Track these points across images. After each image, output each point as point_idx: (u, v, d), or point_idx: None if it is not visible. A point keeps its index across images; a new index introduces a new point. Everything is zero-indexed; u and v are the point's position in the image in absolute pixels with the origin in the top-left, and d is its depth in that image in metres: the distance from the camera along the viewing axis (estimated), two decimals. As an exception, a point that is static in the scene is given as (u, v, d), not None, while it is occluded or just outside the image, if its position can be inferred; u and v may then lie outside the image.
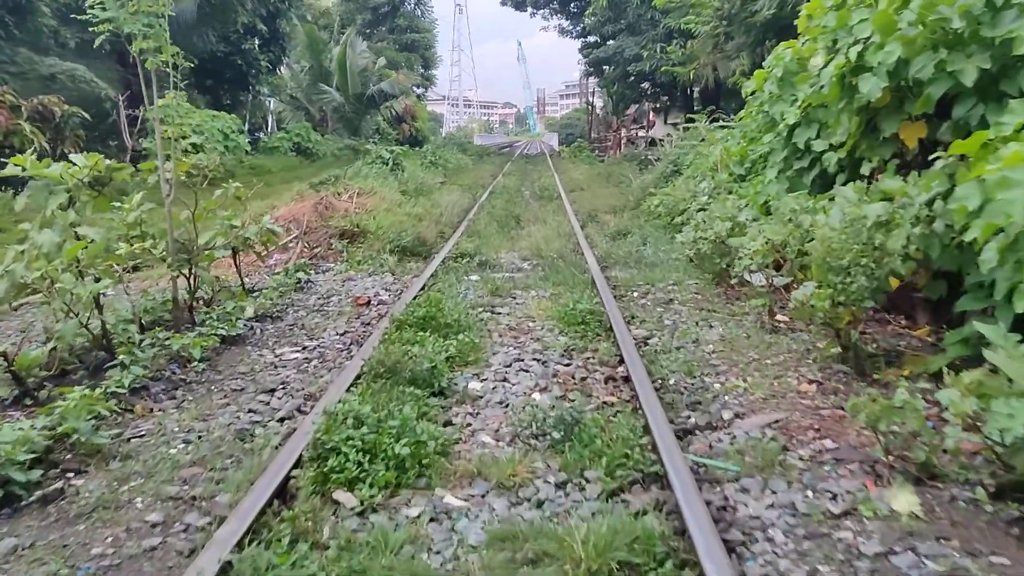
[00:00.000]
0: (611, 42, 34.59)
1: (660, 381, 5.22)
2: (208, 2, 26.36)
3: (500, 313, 7.13)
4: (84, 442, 3.93)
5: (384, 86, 43.99)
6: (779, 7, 13.09)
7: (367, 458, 3.57)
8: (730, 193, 9.76)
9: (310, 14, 51.60)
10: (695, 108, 40.11)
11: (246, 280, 8.52)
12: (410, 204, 13.14)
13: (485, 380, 5.22)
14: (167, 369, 5.30)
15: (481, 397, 4.89)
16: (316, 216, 10.75)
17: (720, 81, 22.72)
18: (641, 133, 30.21)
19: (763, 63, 15.49)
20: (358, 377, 4.89)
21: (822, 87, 6.83)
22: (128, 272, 7.42)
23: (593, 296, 7.42)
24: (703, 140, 12.63)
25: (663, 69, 18.87)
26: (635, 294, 8.00)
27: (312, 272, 9.18)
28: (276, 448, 3.99)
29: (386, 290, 8.18)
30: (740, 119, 10.42)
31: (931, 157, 5.26)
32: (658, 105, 45.35)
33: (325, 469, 3.50)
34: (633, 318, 6.94)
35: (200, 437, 4.27)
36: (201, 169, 7.18)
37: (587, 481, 3.66)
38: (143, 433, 4.35)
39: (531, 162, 43.30)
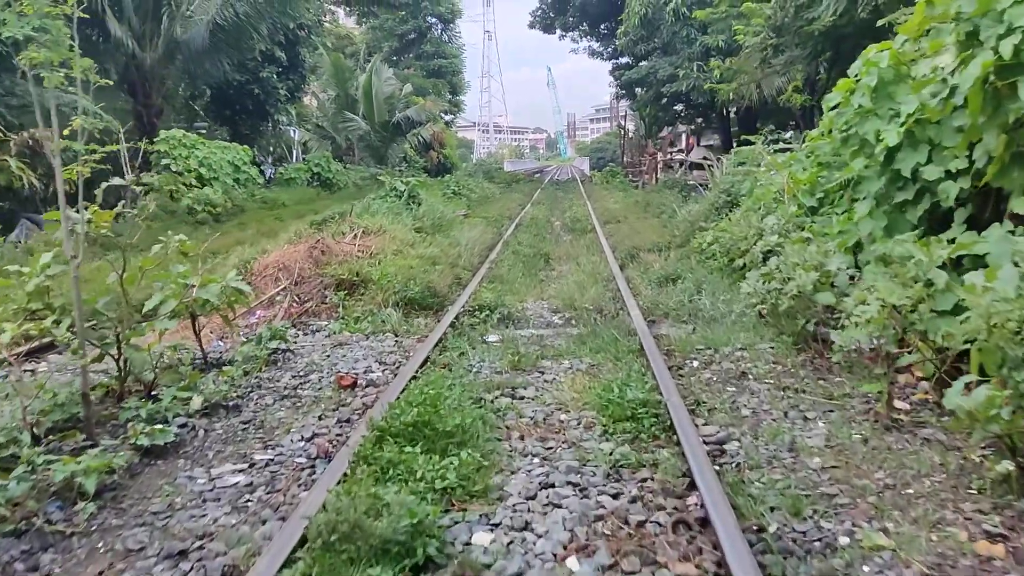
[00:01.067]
0: (644, 63, 33.13)
1: (755, 527, 3.51)
2: (221, 28, 25.32)
3: (523, 398, 5.46)
4: None
5: (410, 113, 43.05)
6: (843, 13, 11.37)
7: None
8: (801, 229, 8.05)
9: (330, 40, 50.95)
10: (731, 129, 38.63)
11: (218, 348, 6.98)
12: (424, 244, 11.57)
13: (497, 528, 3.56)
14: (40, 514, 3.70)
15: (489, 567, 3.22)
16: (310, 263, 9.21)
17: (765, 100, 21.03)
18: (679, 156, 28.50)
19: (816, 78, 13.77)
20: (302, 542, 3.25)
21: (950, 96, 5.12)
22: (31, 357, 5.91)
23: (643, 370, 5.75)
24: (760, 166, 10.92)
25: (707, 86, 17.26)
26: (695, 363, 6.30)
27: (296, 336, 7.62)
28: None
29: (381, 363, 6.54)
30: (811, 139, 8.70)
31: None
32: (692, 127, 43.74)
33: None
34: (699, 404, 5.24)
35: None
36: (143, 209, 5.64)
37: None
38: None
39: (562, 188, 41.75)
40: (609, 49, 43.90)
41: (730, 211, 10.44)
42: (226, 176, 20.30)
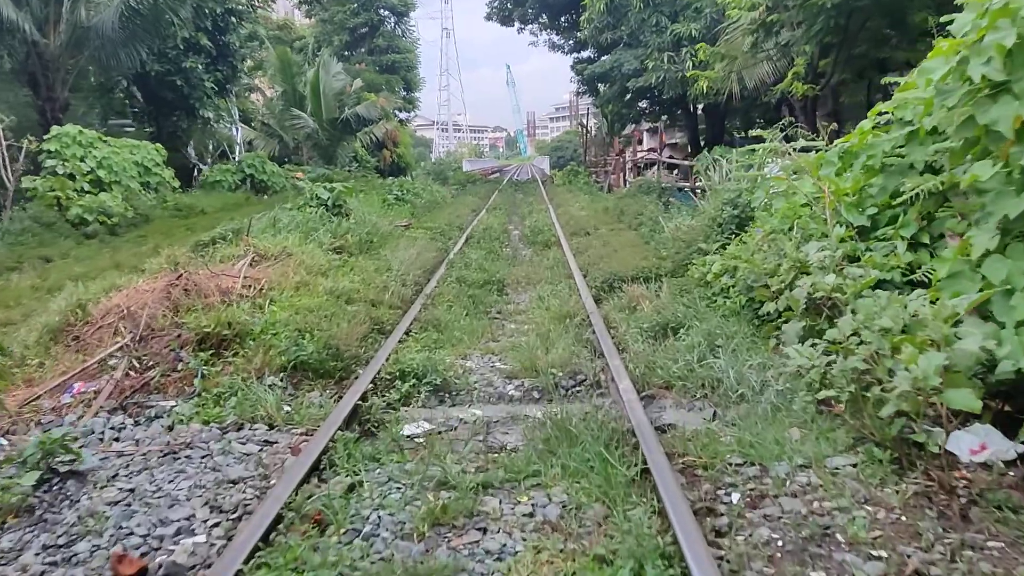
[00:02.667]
0: (607, 57, 30.78)
1: None
2: (136, 12, 22.35)
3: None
4: None
5: (360, 110, 40.37)
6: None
7: None
8: (854, 260, 5.65)
9: (274, 32, 47.94)
10: (698, 127, 36.43)
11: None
12: (343, 271, 8.96)
13: None
14: None
15: None
16: (167, 307, 6.55)
17: (740, 94, 18.71)
18: (651, 155, 26.16)
19: (820, 63, 11.43)
20: None
21: None
22: None
23: (657, 533, 3.29)
24: (766, 169, 8.51)
25: (690, 73, 14.91)
26: (734, 497, 3.83)
27: (121, 428, 4.99)
28: None
29: (215, 507, 3.90)
30: (861, 133, 6.29)
31: None
32: (665, 124, 41.45)
33: None
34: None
35: None
36: None
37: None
38: None
39: (521, 190, 39.24)
40: (570, 42, 41.55)
41: (739, 229, 7.99)
42: (130, 179, 17.39)
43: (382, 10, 58.81)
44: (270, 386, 5.70)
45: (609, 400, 5.59)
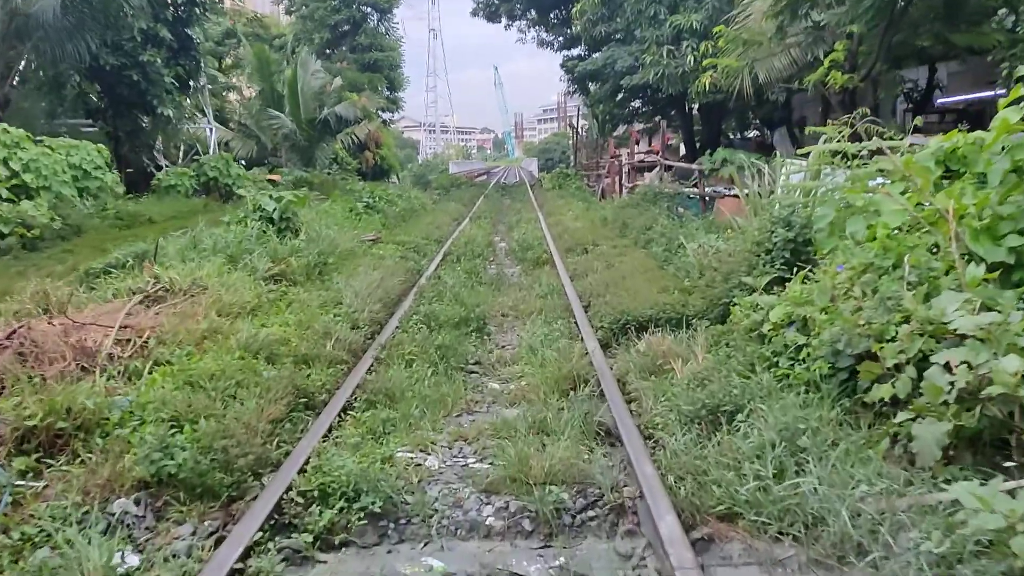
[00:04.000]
0: (598, 54, 28.88)
1: None
2: (87, 1, 20.24)
3: None
4: None
5: (340, 109, 38.39)
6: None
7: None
8: (999, 319, 3.66)
9: (251, 28, 45.96)
10: (694, 128, 34.50)
11: None
12: (275, 310, 6.89)
13: None
14: None
15: None
16: (-13, 382, 4.45)
17: (754, 89, 16.72)
18: (651, 157, 24.14)
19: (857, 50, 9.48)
20: None
21: None
22: None
23: None
24: (844, 179, 6.50)
25: (706, 62, 12.94)
26: None
27: None
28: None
29: None
30: (1006, 127, 4.31)
31: None
32: (650, 125, 39.52)
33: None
34: None
35: None
36: None
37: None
38: None
39: (509, 194, 37.13)
40: (560, 39, 39.65)
41: (795, 258, 5.97)
42: (63, 185, 15.23)
43: (364, 7, 56.84)
44: (116, 520, 3.65)
45: (642, 543, 3.59)
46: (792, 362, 4.78)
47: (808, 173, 6.48)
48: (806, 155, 7.16)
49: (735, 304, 5.94)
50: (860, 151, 5.89)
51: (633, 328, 6.59)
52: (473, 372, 6.34)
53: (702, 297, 6.71)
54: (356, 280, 8.45)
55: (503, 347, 7.21)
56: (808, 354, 4.60)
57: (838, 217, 5.64)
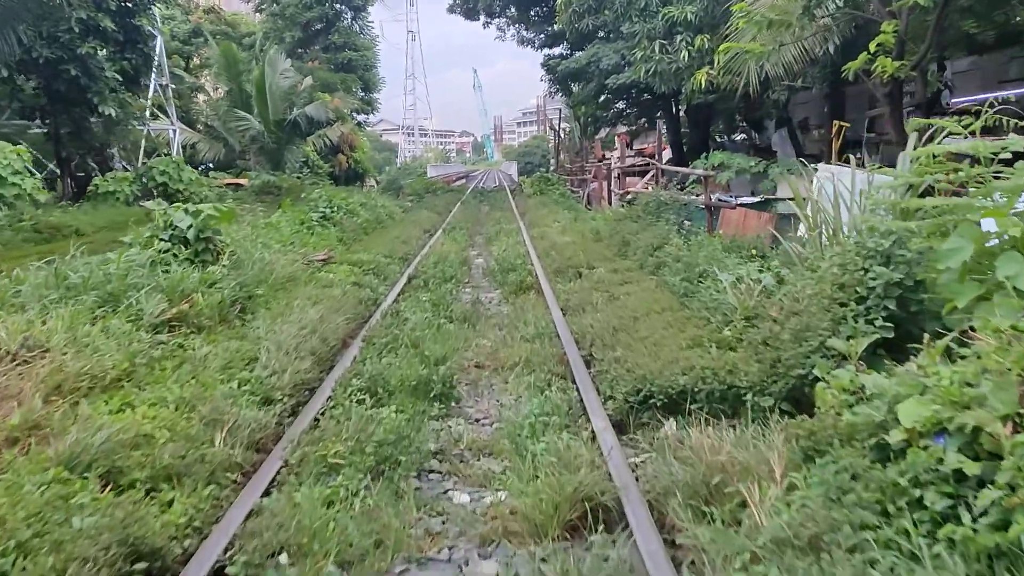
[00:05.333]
0: (580, 53, 27.11)
1: None
2: (15, -15, 18.10)
3: None
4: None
5: (310, 110, 36.31)
6: None
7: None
8: None
9: (219, 26, 43.79)
10: (681, 130, 32.79)
11: None
12: (151, 380, 4.86)
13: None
14: None
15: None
16: None
17: (766, 86, 14.91)
18: (641, 161, 22.27)
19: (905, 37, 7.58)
20: None
21: None
22: None
23: None
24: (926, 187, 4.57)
25: (723, 47, 11.08)
26: None
27: None
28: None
29: None
30: None
31: None
32: (634, 128, 37.88)
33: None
34: None
35: None
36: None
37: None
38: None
39: (488, 201, 35.05)
40: (541, 36, 37.81)
41: (905, 313, 4.04)
42: (-32, 192, 13.09)
43: (338, 4, 54.85)
44: None
45: None
46: (952, 501, 2.84)
47: (903, 186, 4.58)
48: (844, 161, 5.35)
49: (817, 379, 3.99)
50: (999, 152, 4.01)
51: (660, 403, 4.64)
52: (432, 474, 4.35)
53: (756, 358, 4.75)
54: (287, 322, 6.42)
55: (477, 421, 5.25)
56: (978, 501, 2.65)
57: (977, 253, 3.72)
